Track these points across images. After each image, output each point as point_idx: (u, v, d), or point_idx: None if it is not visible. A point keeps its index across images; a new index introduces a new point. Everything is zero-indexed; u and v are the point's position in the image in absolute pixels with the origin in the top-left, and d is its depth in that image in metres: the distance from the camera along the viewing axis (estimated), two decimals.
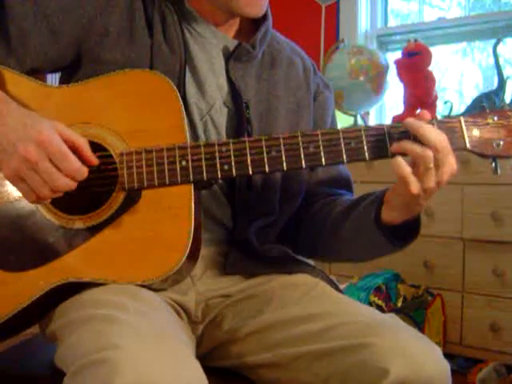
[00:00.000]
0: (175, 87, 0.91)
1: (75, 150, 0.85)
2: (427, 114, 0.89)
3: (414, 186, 0.85)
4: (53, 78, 1.03)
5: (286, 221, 1.10)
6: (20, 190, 0.86)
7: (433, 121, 0.88)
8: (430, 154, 0.84)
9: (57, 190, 0.84)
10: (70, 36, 0.97)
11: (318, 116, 1.14)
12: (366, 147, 0.89)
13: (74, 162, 0.84)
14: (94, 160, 0.87)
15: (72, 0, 0.97)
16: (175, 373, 0.72)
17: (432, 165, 0.85)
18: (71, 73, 0.99)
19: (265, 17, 1.08)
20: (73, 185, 0.85)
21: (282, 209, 1.07)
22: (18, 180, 0.84)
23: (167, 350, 0.75)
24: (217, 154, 0.89)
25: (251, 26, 1.09)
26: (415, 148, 0.85)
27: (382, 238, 0.94)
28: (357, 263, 1.14)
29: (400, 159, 0.85)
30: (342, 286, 2.12)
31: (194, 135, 0.98)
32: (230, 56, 1.03)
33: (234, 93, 1.02)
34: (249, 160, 0.89)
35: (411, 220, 0.93)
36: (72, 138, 0.85)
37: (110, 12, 0.98)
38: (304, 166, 0.89)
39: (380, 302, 2.07)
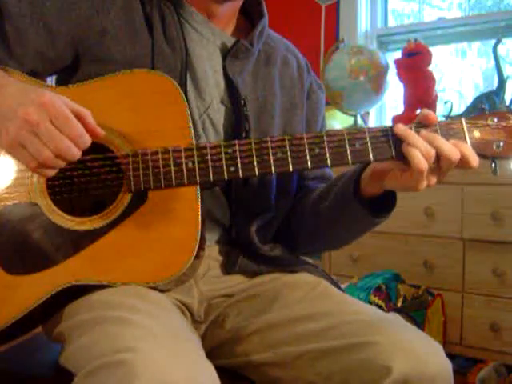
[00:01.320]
0: (179, 87, 0.91)
1: (78, 120, 0.81)
2: (432, 115, 0.90)
3: (423, 184, 0.87)
4: (53, 79, 1.03)
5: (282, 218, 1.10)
6: (20, 158, 0.81)
7: (436, 123, 0.89)
8: (433, 153, 0.86)
9: (59, 153, 0.79)
10: (68, 36, 0.96)
11: (309, 115, 1.14)
12: (370, 148, 0.89)
13: (77, 126, 0.79)
14: (99, 131, 0.83)
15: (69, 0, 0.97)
16: (191, 375, 0.72)
17: (434, 165, 0.87)
18: (70, 73, 0.99)
19: (261, 14, 1.09)
20: (76, 152, 0.80)
21: (278, 205, 1.07)
22: (17, 147, 0.80)
23: (182, 352, 0.75)
24: (223, 156, 0.89)
25: (248, 24, 1.10)
26: (420, 143, 0.86)
27: (361, 210, 0.95)
28: (340, 247, 1.14)
29: (419, 152, 0.86)
30: (341, 286, 2.13)
31: (195, 133, 0.98)
32: (227, 53, 1.03)
33: (232, 90, 1.02)
34: (255, 162, 0.89)
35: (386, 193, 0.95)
36: (75, 107, 0.82)
37: (107, 11, 0.97)
38: (310, 167, 0.89)
39: (380, 302, 2.07)
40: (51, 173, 0.83)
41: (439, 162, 0.87)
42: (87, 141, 0.81)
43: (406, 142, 0.87)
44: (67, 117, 0.79)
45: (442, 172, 0.88)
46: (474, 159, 0.87)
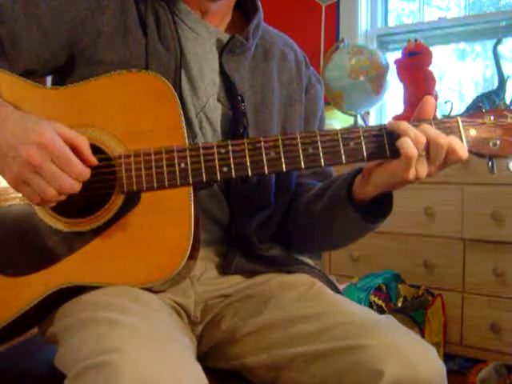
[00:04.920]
0: (172, 87, 0.91)
1: (74, 150, 0.84)
2: (431, 99, 0.90)
3: (412, 172, 0.86)
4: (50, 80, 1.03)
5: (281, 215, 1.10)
6: (23, 193, 0.85)
7: (431, 121, 0.89)
8: (423, 140, 0.85)
9: (62, 192, 0.83)
10: (62, 38, 0.96)
11: (308, 109, 1.14)
12: (364, 148, 0.89)
13: (77, 165, 0.83)
14: (93, 160, 0.86)
15: (63, 1, 0.96)
16: (176, 376, 0.72)
17: (424, 152, 0.86)
18: (65, 74, 0.99)
19: (256, 9, 1.08)
20: (77, 186, 0.84)
21: (277, 202, 1.07)
22: (21, 184, 0.84)
23: (168, 353, 0.75)
24: (216, 156, 0.88)
25: (243, 19, 1.09)
26: (411, 130, 0.85)
27: (354, 214, 0.94)
28: (335, 249, 1.13)
29: (409, 139, 0.85)
30: (341, 286, 2.13)
31: (191, 132, 0.98)
32: (223, 49, 1.03)
33: (229, 86, 1.02)
34: (248, 162, 0.88)
35: (382, 197, 0.94)
36: (72, 138, 0.85)
37: (101, 12, 0.97)
38: (303, 166, 0.89)
39: (380, 302, 2.07)
40: (52, 204, 0.86)
41: (428, 149, 0.86)
42: (86, 174, 0.85)
43: (398, 132, 0.86)
44: (68, 156, 0.83)
45: (431, 160, 0.87)
46: (461, 148, 0.86)
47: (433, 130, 0.86)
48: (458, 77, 2.82)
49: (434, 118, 0.90)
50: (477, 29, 2.68)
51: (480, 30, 2.67)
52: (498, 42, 2.33)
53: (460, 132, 0.89)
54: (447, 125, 0.89)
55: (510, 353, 2.00)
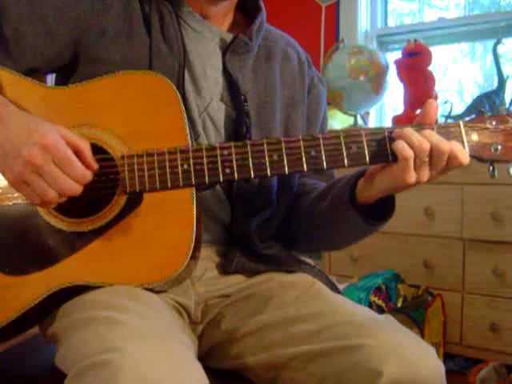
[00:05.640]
0: (175, 88, 0.91)
1: (77, 154, 0.84)
2: (434, 103, 0.90)
3: (413, 175, 0.86)
4: (53, 79, 1.03)
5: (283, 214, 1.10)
6: (24, 193, 0.85)
7: (433, 125, 0.89)
8: (427, 146, 0.85)
9: (63, 194, 0.83)
10: (67, 36, 0.96)
11: (311, 110, 1.14)
12: (366, 151, 0.89)
13: (78, 167, 0.83)
14: (94, 165, 0.86)
15: (67, 0, 0.96)
16: (177, 375, 0.72)
17: (427, 159, 0.86)
18: (69, 73, 0.99)
19: (258, 8, 1.08)
20: (78, 189, 0.84)
21: (278, 201, 1.07)
22: (21, 184, 0.83)
23: (169, 352, 0.75)
24: (219, 158, 0.88)
25: (245, 20, 1.09)
26: (414, 136, 0.85)
27: (357, 217, 0.94)
28: (338, 250, 1.12)
29: (404, 142, 0.85)
30: (341, 286, 2.13)
31: (194, 132, 0.98)
32: (226, 49, 1.03)
33: (232, 86, 1.02)
34: (251, 164, 0.88)
35: (384, 199, 0.94)
36: (75, 142, 0.85)
37: (106, 11, 0.97)
38: (305, 169, 0.89)
39: (380, 302, 2.07)
40: (53, 206, 0.87)
41: (430, 155, 0.86)
42: (88, 178, 0.85)
43: (402, 138, 0.86)
44: (69, 158, 0.83)
45: (433, 165, 0.87)
46: (463, 154, 0.86)
47: (435, 136, 0.86)
48: (458, 77, 2.82)
49: (436, 121, 0.90)
50: (477, 29, 2.68)
51: (480, 29, 2.67)
52: (498, 42, 2.33)
53: (462, 137, 0.89)
54: (449, 129, 0.89)
55: (510, 353, 2.00)
